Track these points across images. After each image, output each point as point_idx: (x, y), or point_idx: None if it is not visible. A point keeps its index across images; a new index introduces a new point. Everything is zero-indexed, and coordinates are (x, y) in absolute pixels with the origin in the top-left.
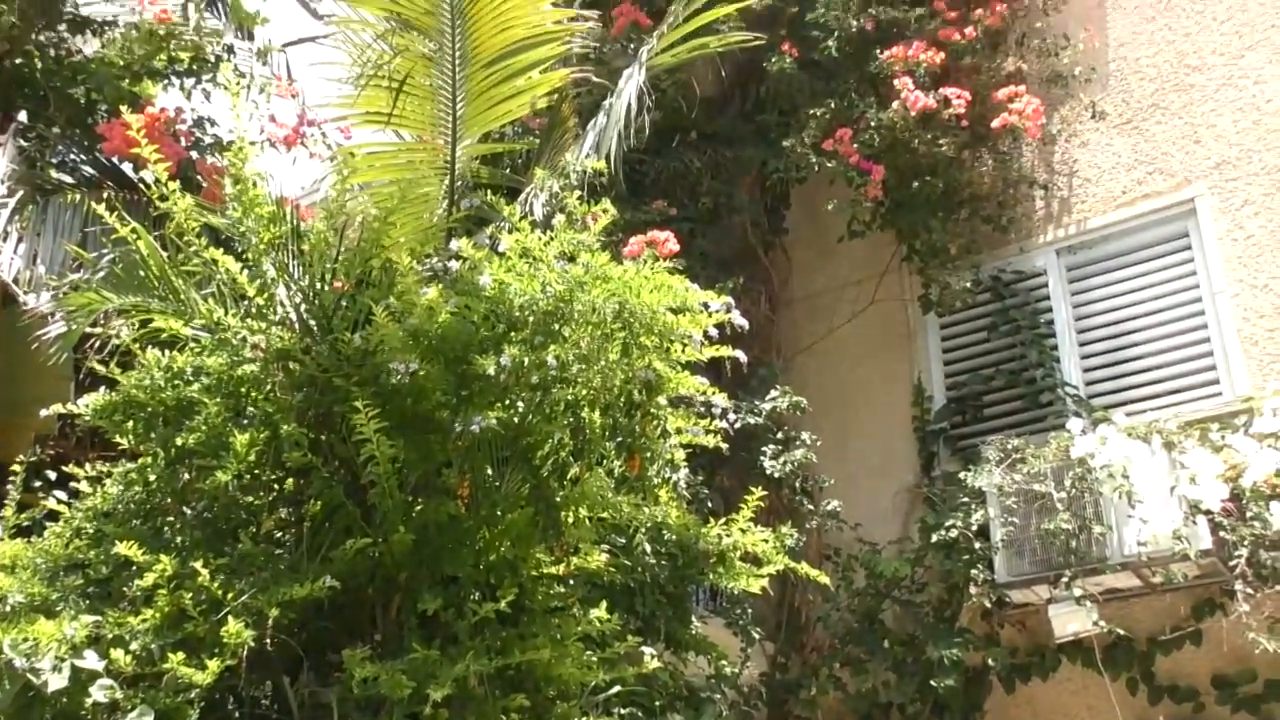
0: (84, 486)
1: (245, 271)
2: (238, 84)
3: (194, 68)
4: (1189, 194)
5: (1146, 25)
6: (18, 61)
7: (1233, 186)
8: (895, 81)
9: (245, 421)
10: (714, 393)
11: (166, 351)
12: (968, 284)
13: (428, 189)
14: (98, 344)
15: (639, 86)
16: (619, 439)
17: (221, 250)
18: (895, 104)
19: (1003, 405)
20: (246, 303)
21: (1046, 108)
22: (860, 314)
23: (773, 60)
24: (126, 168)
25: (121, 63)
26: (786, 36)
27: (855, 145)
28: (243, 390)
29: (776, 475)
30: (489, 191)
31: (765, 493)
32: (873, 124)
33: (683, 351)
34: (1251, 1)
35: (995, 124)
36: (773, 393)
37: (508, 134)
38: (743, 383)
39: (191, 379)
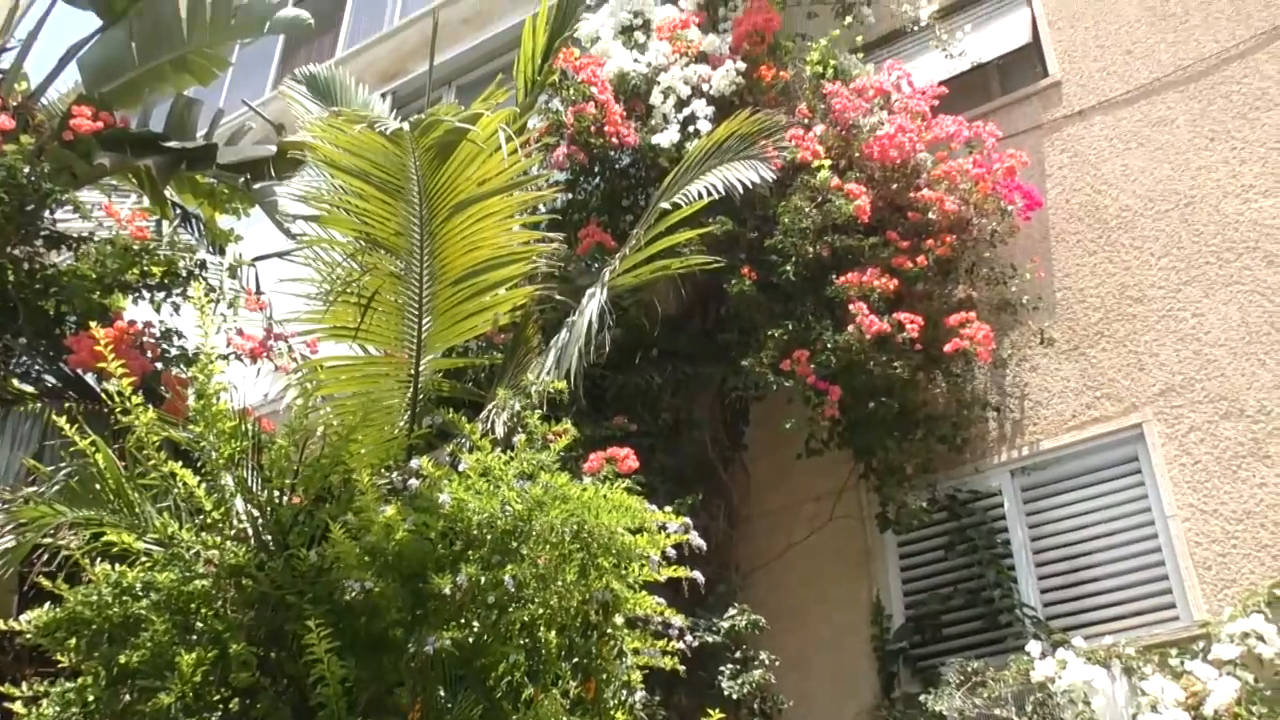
0: (18, 707)
1: (203, 485)
2: (207, 299)
3: (165, 281)
4: (1136, 419)
5: (1089, 258)
6: None
7: (1178, 413)
8: (851, 306)
9: (193, 639)
10: (672, 613)
11: (116, 565)
12: (924, 503)
13: (390, 402)
14: (46, 555)
15: (601, 305)
16: (575, 660)
17: (181, 463)
18: (851, 327)
19: (962, 625)
20: (202, 516)
21: (997, 333)
22: (819, 530)
23: (733, 282)
24: (90, 378)
25: (94, 276)
26: (746, 260)
27: (812, 366)
28: (192, 607)
29: (735, 696)
30: (451, 408)
31: (723, 714)
32: (829, 346)
33: (640, 571)
34: (1186, 240)
35: (948, 348)
36: (730, 610)
37: (471, 348)
38: (701, 600)
39: (140, 595)
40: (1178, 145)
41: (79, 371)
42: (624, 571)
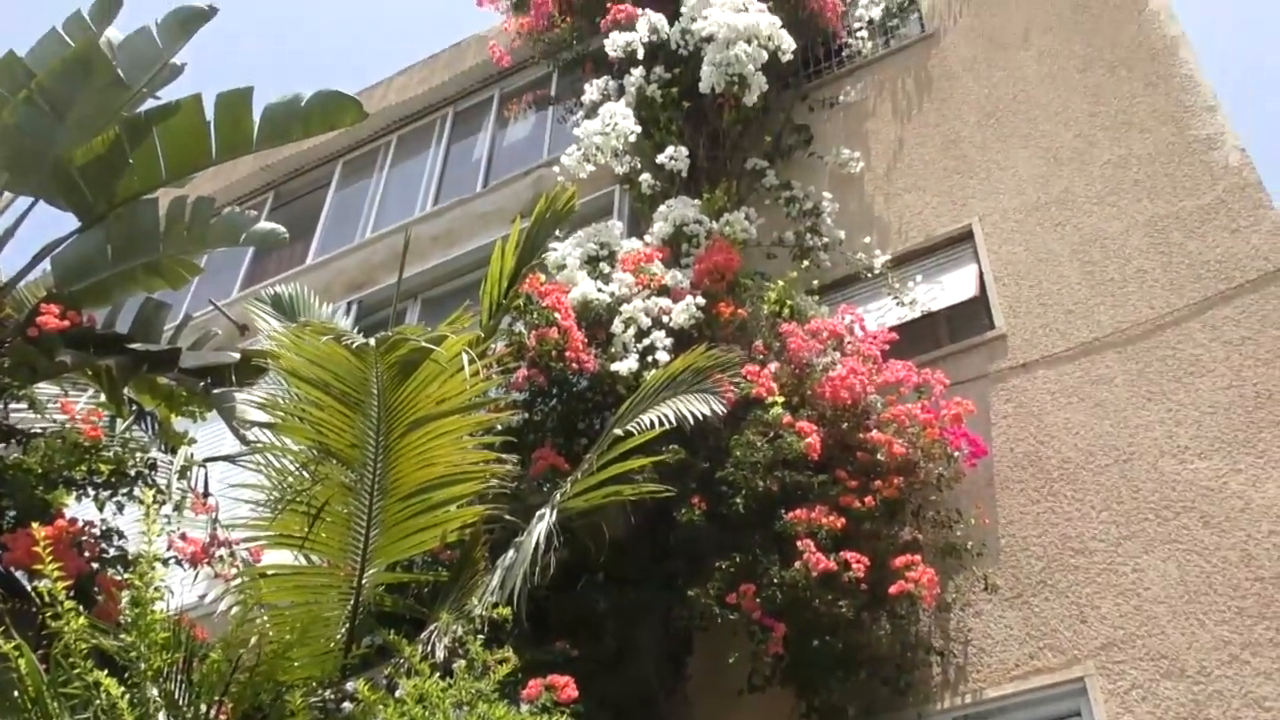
0: None
1: (128, 696)
2: (154, 503)
3: (112, 480)
4: (1079, 673)
5: (1032, 507)
6: None
7: (1120, 669)
8: (799, 542)
9: None
10: None
11: None
12: None
13: (330, 614)
14: None
15: (550, 527)
16: None
17: (107, 670)
18: (798, 564)
19: None
20: None
21: (941, 576)
22: None
23: (683, 511)
24: (21, 573)
25: (40, 471)
26: (697, 490)
27: (758, 601)
28: None
29: None
30: (393, 624)
31: None
32: (776, 581)
33: None
34: (1125, 495)
35: (893, 589)
36: None
37: (417, 563)
38: None
39: None
40: (1117, 403)
41: (11, 568)
42: None
